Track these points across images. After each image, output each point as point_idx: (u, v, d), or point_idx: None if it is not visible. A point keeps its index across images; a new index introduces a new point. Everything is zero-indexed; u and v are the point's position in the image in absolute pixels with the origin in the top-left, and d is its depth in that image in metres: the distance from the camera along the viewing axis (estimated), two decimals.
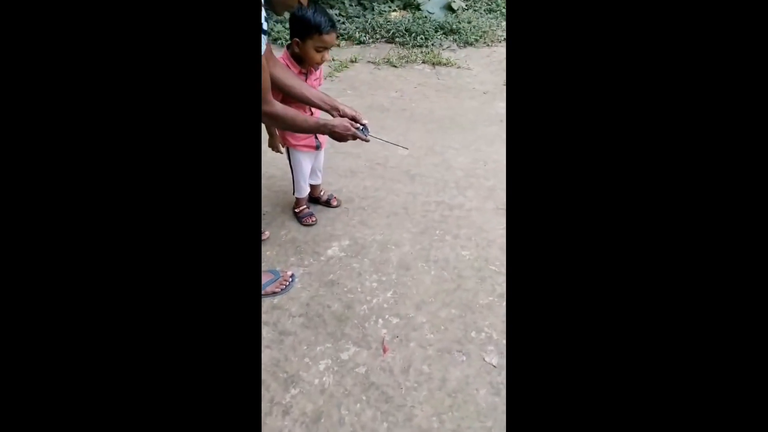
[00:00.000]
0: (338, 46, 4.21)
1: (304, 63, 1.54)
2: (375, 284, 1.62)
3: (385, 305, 1.53)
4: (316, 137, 1.74)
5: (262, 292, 1.53)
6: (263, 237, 1.85)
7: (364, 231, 1.90)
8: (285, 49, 1.57)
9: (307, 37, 1.44)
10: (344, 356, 1.35)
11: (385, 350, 1.37)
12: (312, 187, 1.95)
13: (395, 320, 1.47)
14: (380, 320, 1.47)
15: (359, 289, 1.59)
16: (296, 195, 1.91)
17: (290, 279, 1.59)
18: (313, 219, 1.92)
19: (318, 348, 1.37)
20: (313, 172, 1.90)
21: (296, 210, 1.95)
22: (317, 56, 1.47)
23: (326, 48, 1.47)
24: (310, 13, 1.40)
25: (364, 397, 1.24)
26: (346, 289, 1.59)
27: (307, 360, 1.34)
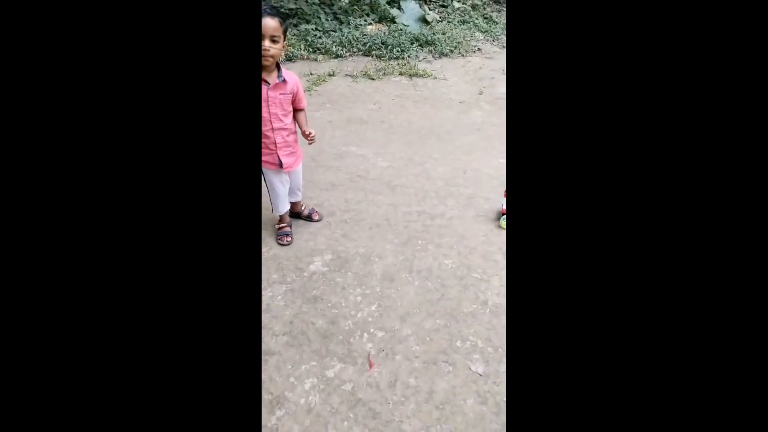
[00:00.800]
0: (315, 60, 4.24)
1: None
2: (359, 298, 1.61)
3: (370, 319, 1.52)
4: (279, 157, 1.71)
5: None
6: None
7: (346, 244, 1.89)
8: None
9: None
10: (330, 374, 1.33)
11: (371, 365, 1.36)
12: (292, 203, 1.94)
13: (380, 334, 1.46)
14: (365, 334, 1.46)
15: (343, 304, 1.58)
16: (274, 212, 1.90)
17: None
18: (288, 239, 1.89)
19: (303, 366, 1.35)
20: (291, 191, 1.89)
21: (276, 227, 1.94)
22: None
23: (264, 36, 1.40)
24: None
25: (351, 415, 1.22)
26: (330, 304, 1.58)
27: (292, 380, 1.31)
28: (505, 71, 4.04)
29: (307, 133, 1.73)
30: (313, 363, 1.36)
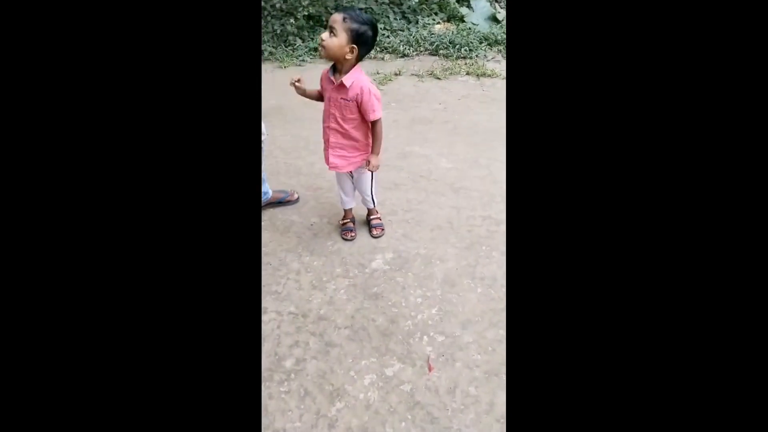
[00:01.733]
0: (382, 59, 4.29)
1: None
2: (419, 299, 1.60)
3: (430, 322, 1.51)
4: (328, 154, 1.72)
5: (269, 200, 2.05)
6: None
7: (407, 244, 1.89)
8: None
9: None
10: (389, 372, 1.34)
11: (430, 369, 1.34)
12: (346, 211, 1.97)
13: (440, 338, 1.44)
14: (425, 337, 1.45)
15: (403, 304, 1.58)
16: (340, 206, 1.96)
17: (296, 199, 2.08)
18: (351, 234, 1.92)
19: (363, 362, 1.37)
20: (359, 195, 1.92)
21: (340, 222, 1.99)
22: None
23: (325, 27, 1.50)
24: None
25: (409, 416, 1.22)
26: (390, 303, 1.59)
27: (352, 373, 1.34)
28: None
29: (368, 161, 1.68)
30: (373, 359, 1.38)
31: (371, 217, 1.99)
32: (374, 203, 1.93)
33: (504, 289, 1.63)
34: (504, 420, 1.19)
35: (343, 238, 1.92)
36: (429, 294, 1.63)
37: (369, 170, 1.73)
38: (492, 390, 1.27)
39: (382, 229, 1.96)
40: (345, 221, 1.97)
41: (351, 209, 1.96)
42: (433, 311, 1.55)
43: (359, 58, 1.53)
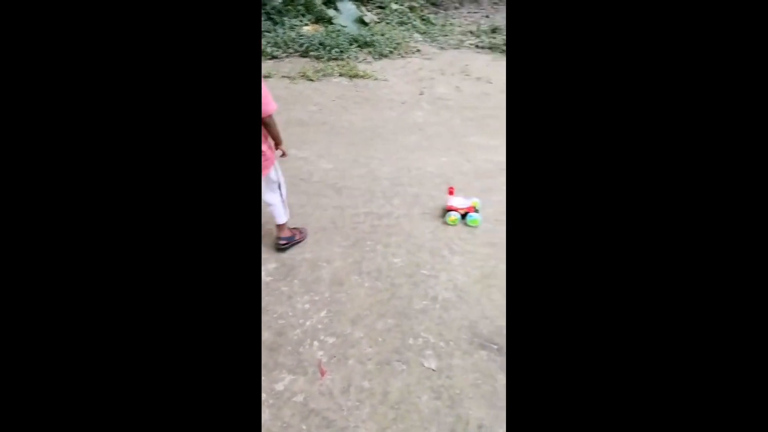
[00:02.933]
0: None
1: None
2: (307, 305, 1.56)
3: (320, 326, 1.47)
4: None
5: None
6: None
7: (291, 251, 1.82)
8: None
9: None
10: (279, 387, 1.26)
11: (322, 373, 1.31)
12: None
13: (331, 340, 1.42)
14: (315, 342, 1.41)
15: (290, 314, 1.52)
16: (288, 216, 1.81)
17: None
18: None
19: None
20: None
21: (293, 236, 1.85)
22: None
23: None
24: None
25: (304, 427, 1.17)
26: (276, 315, 1.51)
27: None
28: (443, 72, 4.17)
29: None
30: (261, 378, 1.29)
31: (278, 237, 1.83)
32: (285, 214, 1.79)
33: (388, 279, 1.69)
34: (398, 407, 1.23)
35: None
36: (317, 298, 1.59)
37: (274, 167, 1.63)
38: (384, 379, 1.30)
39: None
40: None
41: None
42: (322, 314, 1.52)
43: None
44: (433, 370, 1.33)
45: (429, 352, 1.39)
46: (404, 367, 1.34)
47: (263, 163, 1.58)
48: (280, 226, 1.78)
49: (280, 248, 1.80)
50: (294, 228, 1.88)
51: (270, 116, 1.48)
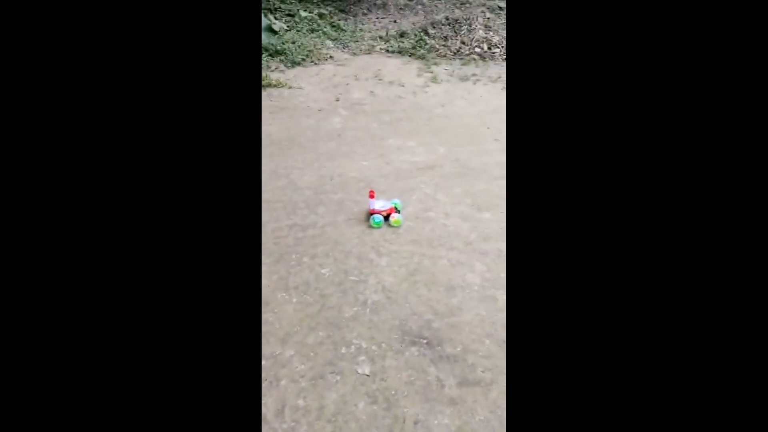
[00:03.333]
0: None
1: None
2: None
3: None
4: None
5: None
6: None
7: None
8: None
9: None
10: None
11: None
12: None
13: (262, 362, 1.36)
14: None
15: None
16: None
17: None
18: None
19: None
20: None
21: None
22: None
23: None
24: None
25: None
26: None
27: None
28: (357, 77, 4.23)
29: None
30: None
31: None
32: None
33: (317, 291, 1.67)
34: (335, 418, 1.21)
35: None
36: None
37: None
38: (319, 394, 1.28)
39: None
40: None
41: None
42: None
43: None
44: (367, 375, 1.34)
45: (362, 357, 1.40)
46: (338, 377, 1.33)
47: None
48: None
49: None
50: None
51: None
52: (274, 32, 4.84)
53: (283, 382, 1.31)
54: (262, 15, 5.03)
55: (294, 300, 1.62)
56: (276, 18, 5.24)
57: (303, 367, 1.36)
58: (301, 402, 1.25)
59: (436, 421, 1.21)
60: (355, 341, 1.45)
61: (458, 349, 1.43)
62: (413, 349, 1.43)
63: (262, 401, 1.25)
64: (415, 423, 1.20)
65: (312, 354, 1.40)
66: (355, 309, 1.59)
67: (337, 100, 3.70)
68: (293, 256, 1.85)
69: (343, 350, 1.42)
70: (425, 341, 1.46)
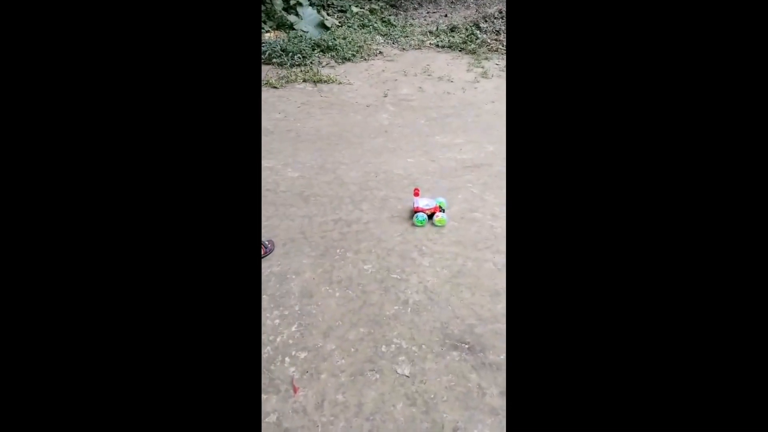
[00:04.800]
0: None
1: None
2: (277, 321, 1.52)
3: (291, 341, 1.45)
4: None
5: None
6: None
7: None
8: None
9: None
10: None
11: (295, 390, 1.28)
12: None
13: (303, 355, 1.40)
14: (287, 358, 1.38)
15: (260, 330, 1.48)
16: None
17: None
18: None
19: None
20: None
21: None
22: None
23: None
24: None
25: None
26: None
27: None
28: (406, 73, 4.20)
29: None
30: None
31: None
32: None
33: (359, 287, 1.68)
34: (373, 417, 1.22)
35: None
36: (287, 312, 1.56)
37: None
38: (358, 390, 1.29)
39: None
40: None
41: None
42: (293, 329, 1.49)
43: None
44: (407, 376, 1.33)
45: (402, 358, 1.39)
46: (378, 376, 1.33)
47: None
48: None
49: None
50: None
51: None
52: (327, 28, 4.92)
53: (323, 376, 1.33)
54: (315, 11, 5.10)
55: (337, 294, 1.64)
56: (328, 14, 5.33)
57: (343, 362, 1.37)
58: (340, 397, 1.27)
59: (476, 430, 1.17)
60: (395, 340, 1.45)
61: (501, 357, 1.38)
62: (454, 353, 1.40)
63: (304, 392, 1.28)
64: (455, 430, 1.17)
65: (353, 350, 1.41)
66: (396, 308, 1.58)
67: (385, 95, 3.70)
68: (338, 251, 1.87)
69: (384, 348, 1.42)
70: (467, 346, 1.42)
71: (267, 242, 1.86)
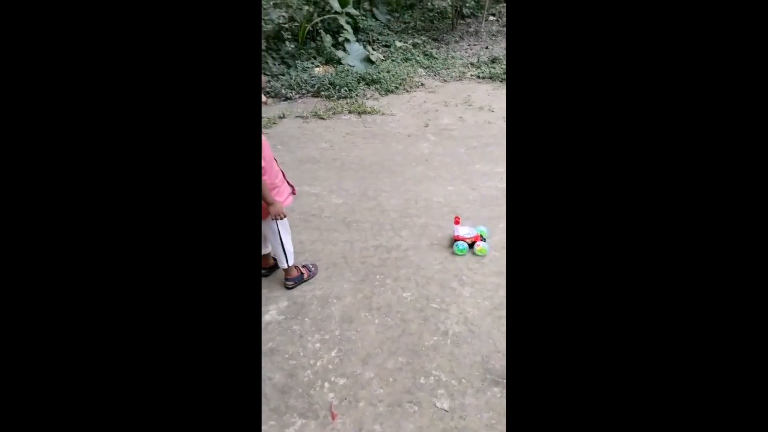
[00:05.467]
0: (265, 104, 4.27)
1: None
2: (318, 345, 1.56)
3: (330, 366, 1.47)
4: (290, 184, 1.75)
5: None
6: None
7: (303, 288, 1.84)
8: None
9: None
10: None
11: (333, 417, 1.29)
12: (265, 256, 1.89)
13: (342, 381, 1.41)
14: (326, 384, 1.40)
15: (301, 354, 1.52)
16: (290, 263, 1.78)
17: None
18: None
19: (262, 428, 1.26)
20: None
21: (301, 274, 1.85)
22: None
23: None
24: None
25: None
26: (287, 355, 1.51)
27: None
28: (447, 104, 4.28)
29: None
30: (272, 422, 1.28)
31: (285, 278, 1.83)
32: (286, 261, 1.75)
33: (398, 315, 1.68)
34: None
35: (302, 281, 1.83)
36: (327, 336, 1.59)
37: (272, 219, 1.61)
38: (396, 422, 1.27)
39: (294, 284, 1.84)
40: (262, 269, 1.90)
41: (265, 255, 1.88)
42: (333, 354, 1.52)
43: None
44: (446, 410, 1.30)
45: (441, 391, 1.36)
46: (416, 408, 1.31)
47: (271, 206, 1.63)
48: (285, 270, 1.80)
49: (288, 287, 1.83)
50: (303, 266, 1.90)
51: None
52: (372, 62, 5.18)
53: (361, 404, 1.33)
54: (362, 46, 5.37)
55: (376, 321, 1.66)
56: (374, 49, 5.61)
57: (381, 391, 1.37)
58: (378, 427, 1.26)
59: None
60: (434, 372, 1.42)
61: None
62: (495, 389, 1.35)
63: (342, 420, 1.28)
64: None
65: (391, 379, 1.41)
66: (435, 338, 1.56)
67: (426, 125, 3.78)
68: (377, 277, 1.90)
69: (422, 380, 1.40)
70: None
71: (311, 266, 1.93)
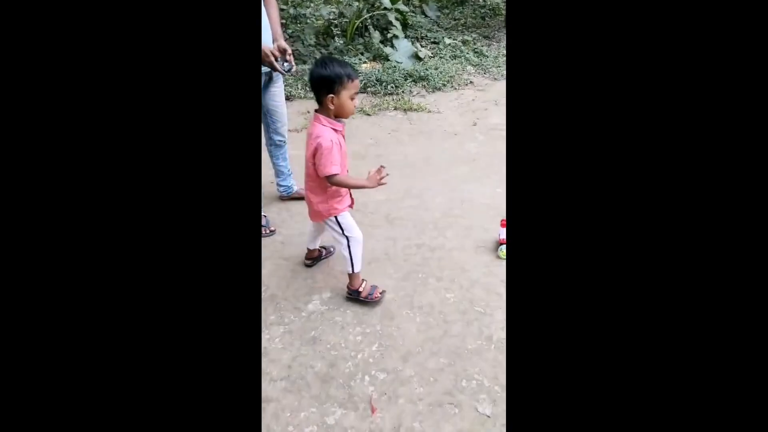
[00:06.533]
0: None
1: (339, 117, 1.50)
2: (359, 337, 1.57)
3: (371, 360, 1.47)
4: (350, 193, 1.69)
5: None
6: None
7: (346, 281, 1.86)
8: (315, 113, 1.48)
9: (340, 89, 1.41)
10: (330, 421, 1.27)
11: (373, 410, 1.30)
12: (310, 250, 1.94)
13: (382, 375, 1.41)
14: (366, 377, 1.41)
15: (343, 345, 1.54)
16: (356, 269, 1.67)
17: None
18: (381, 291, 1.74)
19: (302, 414, 1.29)
20: (311, 235, 1.89)
21: (360, 290, 1.70)
22: (352, 104, 1.46)
23: (357, 93, 1.46)
24: (331, 67, 1.41)
25: None
26: (329, 345, 1.54)
27: (291, 429, 1.25)
28: (497, 102, 4.16)
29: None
30: (313, 409, 1.30)
31: (348, 287, 1.73)
32: (352, 267, 1.66)
33: (441, 315, 1.65)
34: None
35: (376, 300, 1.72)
36: (369, 330, 1.60)
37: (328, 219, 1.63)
38: (436, 422, 1.25)
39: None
40: (306, 260, 1.95)
41: (312, 249, 1.94)
42: (374, 348, 1.52)
43: (333, 102, 1.44)
44: (488, 416, 1.26)
45: (483, 396, 1.32)
46: (456, 410, 1.28)
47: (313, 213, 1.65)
48: (349, 275, 1.73)
49: (347, 297, 1.75)
50: (373, 286, 1.75)
51: (329, 177, 1.49)
52: (420, 59, 5.13)
53: (401, 401, 1.32)
54: (410, 43, 5.32)
55: (417, 319, 1.64)
56: (422, 45, 5.56)
57: (422, 390, 1.36)
58: (417, 425, 1.25)
59: None
60: (476, 376, 1.39)
61: None
62: None
63: (381, 414, 1.28)
64: None
65: (432, 379, 1.39)
66: (479, 342, 1.52)
67: (474, 124, 3.70)
68: (419, 275, 1.88)
69: (464, 383, 1.37)
70: None
71: (380, 291, 1.76)
